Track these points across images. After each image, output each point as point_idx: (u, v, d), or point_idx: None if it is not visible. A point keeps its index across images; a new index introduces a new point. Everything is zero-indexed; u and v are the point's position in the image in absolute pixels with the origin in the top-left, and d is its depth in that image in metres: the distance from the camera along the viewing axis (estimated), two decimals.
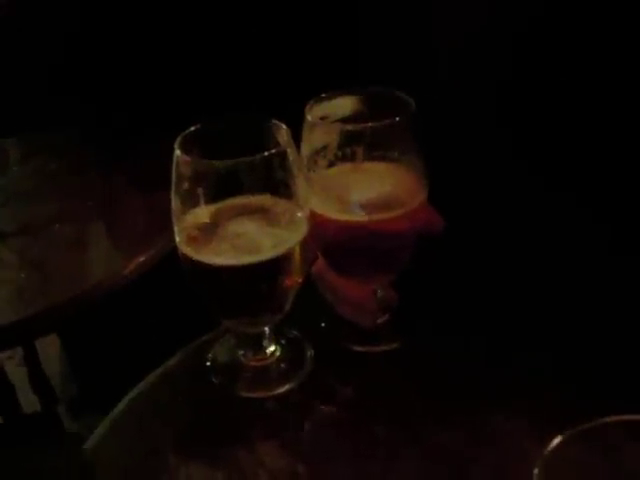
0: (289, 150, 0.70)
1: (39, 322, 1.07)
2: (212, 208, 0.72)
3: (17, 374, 1.70)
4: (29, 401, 1.64)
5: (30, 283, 1.11)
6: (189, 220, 0.72)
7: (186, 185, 0.70)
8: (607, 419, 0.44)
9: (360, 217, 0.73)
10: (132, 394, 0.80)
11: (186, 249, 0.72)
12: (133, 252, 1.09)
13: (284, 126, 0.72)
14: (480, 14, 0.90)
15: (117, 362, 1.56)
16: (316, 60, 1.07)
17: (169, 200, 0.74)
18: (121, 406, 0.79)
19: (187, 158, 0.69)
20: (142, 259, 1.08)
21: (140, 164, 1.33)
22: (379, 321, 0.81)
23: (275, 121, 0.72)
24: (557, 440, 0.43)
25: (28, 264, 1.14)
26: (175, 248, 0.76)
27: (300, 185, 0.72)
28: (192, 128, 0.72)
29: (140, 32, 1.35)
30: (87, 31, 1.49)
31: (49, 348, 1.89)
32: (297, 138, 0.73)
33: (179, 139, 0.71)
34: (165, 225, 1.02)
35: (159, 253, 1.08)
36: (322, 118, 0.75)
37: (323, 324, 0.83)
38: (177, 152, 0.70)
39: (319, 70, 1.01)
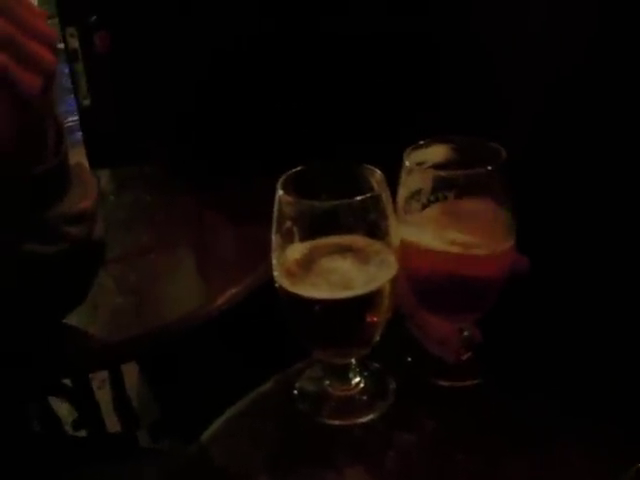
0: (383, 194, 0.75)
1: (132, 347, 1.12)
2: (308, 245, 0.77)
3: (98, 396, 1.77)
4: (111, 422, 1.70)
5: (126, 309, 1.17)
6: (287, 255, 0.77)
7: (287, 223, 0.75)
8: None
9: (450, 249, 0.77)
10: (226, 416, 0.85)
11: (284, 282, 0.77)
12: (226, 283, 1.14)
13: (378, 171, 0.77)
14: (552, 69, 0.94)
15: (196, 389, 1.61)
16: (404, 115, 1.13)
17: (260, 233, 0.80)
18: (214, 427, 0.84)
19: (290, 199, 0.74)
20: (235, 290, 1.12)
21: (232, 198, 1.39)
22: (463, 357, 0.85)
23: (370, 166, 0.77)
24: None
25: (124, 290, 1.20)
26: (265, 281, 0.81)
27: (392, 227, 0.77)
28: (293, 170, 0.77)
29: (246, 74, 1.39)
30: (185, 68, 1.56)
31: (129, 371, 1.95)
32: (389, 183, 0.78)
33: (281, 180, 0.76)
34: (257, 258, 1.08)
35: (250, 286, 1.12)
36: (419, 164, 0.79)
37: (409, 358, 0.87)
38: (280, 192, 0.75)
39: (407, 123, 1.06)
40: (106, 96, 1.98)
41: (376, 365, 0.86)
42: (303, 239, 0.77)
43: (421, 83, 1.15)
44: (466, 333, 0.84)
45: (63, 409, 1.71)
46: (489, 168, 0.76)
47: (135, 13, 1.75)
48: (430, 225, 0.79)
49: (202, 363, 1.57)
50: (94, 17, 1.95)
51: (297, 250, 0.77)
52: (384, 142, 0.84)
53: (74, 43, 2.03)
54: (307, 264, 0.77)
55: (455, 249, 0.77)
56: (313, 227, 0.76)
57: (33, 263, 0.92)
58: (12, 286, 0.94)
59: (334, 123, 1.24)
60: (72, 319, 1.07)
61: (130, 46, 1.81)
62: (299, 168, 0.77)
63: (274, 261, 0.78)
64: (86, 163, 2.01)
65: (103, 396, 1.76)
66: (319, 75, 1.27)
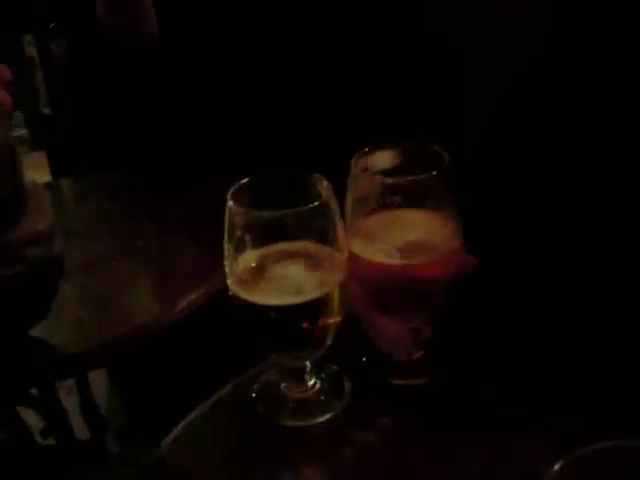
0: (331, 201, 0.78)
1: (96, 355, 1.14)
2: (259, 252, 0.80)
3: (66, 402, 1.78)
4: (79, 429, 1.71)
5: (88, 318, 1.19)
6: (239, 263, 0.79)
7: (238, 233, 0.77)
8: (603, 444, 0.49)
9: (398, 261, 0.80)
10: (186, 420, 0.87)
11: (236, 290, 0.79)
12: (185, 290, 1.16)
13: (325, 180, 0.79)
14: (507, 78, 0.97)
15: (162, 394, 1.63)
16: (354, 120, 1.15)
17: (216, 241, 0.82)
18: (177, 430, 0.86)
19: (240, 209, 0.76)
20: (194, 297, 1.14)
21: (189, 205, 1.41)
22: (414, 356, 0.88)
23: (317, 175, 0.79)
24: (558, 465, 0.49)
25: (86, 299, 1.22)
26: (223, 287, 0.83)
27: (340, 232, 0.79)
28: (243, 181, 0.79)
29: (197, 84, 1.40)
30: (147, 79, 1.56)
31: (96, 378, 1.96)
32: (337, 189, 0.81)
33: (231, 191, 0.78)
34: (213, 265, 1.09)
35: (209, 292, 1.14)
36: (364, 170, 0.82)
37: (364, 359, 0.90)
38: (230, 203, 0.77)
39: (357, 129, 1.08)
40: (66, 104, 1.98)
41: (332, 366, 0.88)
42: (254, 247, 0.79)
43: (375, 85, 1.18)
44: (415, 331, 0.87)
45: (31, 418, 1.72)
46: (434, 173, 0.78)
47: (94, 20, 1.75)
48: (376, 233, 0.81)
49: (165, 368, 1.59)
50: (52, 24, 1.95)
51: (249, 258, 0.79)
52: (334, 149, 0.86)
53: (32, 51, 2.04)
54: (259, 271, 0.79)
55: (400, 260, 0.80)
56: (263, 236, 0.78)
57: None
58: None
59: (287, 129, 1.26)
60: (35, 329, 1.08)
61: (89, 54, 1.81)
62: (248, 179, 0.79)
63: (227, 269, 0.80)
64: (48, 172, 2.02)
65: (71, 403, 1.77)
66: (281, 83, 1.29)
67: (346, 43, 1.18)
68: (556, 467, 0.49)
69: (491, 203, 0.98)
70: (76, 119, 1.93)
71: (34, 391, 1.58)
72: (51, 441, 1.62)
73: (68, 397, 1.90)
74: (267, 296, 0.78)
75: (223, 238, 0.80)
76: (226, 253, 0.80)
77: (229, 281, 0.80)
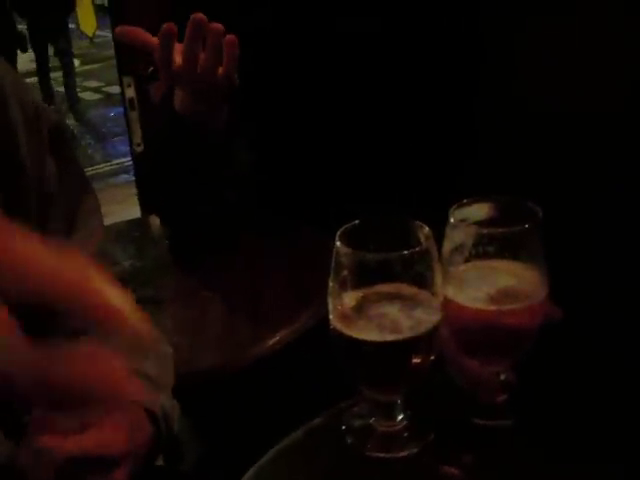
0: (431, 248, 0.83)
1: (189, 383, 1.20)
2: (361, 291, 0.85)
3: None
4: None
5: (182, 346, 1.25)
6: (342, 301, 0.85)
7: (343, 272, 0.83)
8: None
9: (488, 307, 0.85)
10: (277, 447, 0.92)
11: (338, 325, 0.85)
12: (279, 324, 1.21)
13: (426, 227, 0.85)
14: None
15: (241, 426, 1.67)
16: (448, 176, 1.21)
17: (310, 279, 0.87)
18: (266, 458, 0.91)
19: (347, 250, 0.82)
20: (287, 331, 1.19)
21: (280, 246, 1.45)
22: (498, 399, 0.92)
23: (418, 222, 0.85)
24: None
25: (181, 329, 1.28)
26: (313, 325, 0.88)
27: (437, 277, 0.84)
28: (350, 224, 0.85)
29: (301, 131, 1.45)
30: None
31: None
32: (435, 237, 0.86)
33: (339, 233, 0.84)
34: (307, 302, 1.15)
35: (302, 327, 1.19)
36: (462, 220, 0.87)
37: (449, 398, 0.94)
38: (337, 244, 0.83)
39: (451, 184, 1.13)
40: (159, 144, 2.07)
41: (418, 403, 0.92)
42: (357, 286, 0.85)
43: (462, 142, 1.23)
44: (502, 377, 0.92)
45: None
46: (526, 226, 0.84)
47: None
48: (470, 280, 0.87)
49: (250, 400, 1.63)
50: (151, 68, 2.04)
51: (351, 296, 0.85)
52: (432, 199, 0.92)
53: (130, 92, 2.15)
54: (359, 309, 0.85)
55: (491, 307, 0.85)
56: (366, 276, 0.83)
57: None
58: None
59: (386, 180, 1.30)
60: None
61: None
62: (355, 222, 0.85)
63: (330, 306, 0.86)
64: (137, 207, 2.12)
65: None
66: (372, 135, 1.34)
67: (444, 100, 1.24)
68: None
69: (574, 256, 1.03)
70: (167, 159, 2.01)
71: None
72: None
73: None
74: (366, 332, 0.83)
75: (312, 278, 0.86)
76: (330, 290, 0.85)
77: (331, 316, 0.86)
